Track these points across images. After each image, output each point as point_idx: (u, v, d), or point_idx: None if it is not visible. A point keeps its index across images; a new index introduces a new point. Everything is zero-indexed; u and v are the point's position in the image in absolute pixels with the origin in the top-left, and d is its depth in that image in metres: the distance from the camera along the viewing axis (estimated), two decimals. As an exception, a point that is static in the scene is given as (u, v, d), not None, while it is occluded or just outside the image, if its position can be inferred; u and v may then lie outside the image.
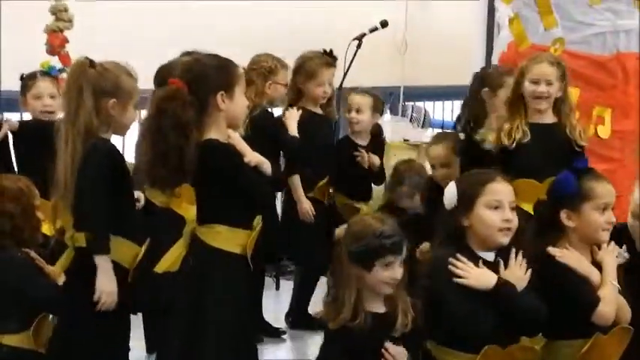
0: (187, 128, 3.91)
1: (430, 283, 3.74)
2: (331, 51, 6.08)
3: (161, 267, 4.20)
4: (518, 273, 3.73)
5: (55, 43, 6.03)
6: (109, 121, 4.17)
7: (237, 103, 4.08)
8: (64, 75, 5.52)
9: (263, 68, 5.83)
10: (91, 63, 4.17)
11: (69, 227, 4.19)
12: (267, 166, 4.10)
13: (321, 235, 5.78)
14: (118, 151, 4.30)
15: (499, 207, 3.73)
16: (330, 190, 6.11)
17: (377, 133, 6.40)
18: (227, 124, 4.08)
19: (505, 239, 3.74)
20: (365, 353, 3.64)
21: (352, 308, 3.63)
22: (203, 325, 4.03)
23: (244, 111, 4.21)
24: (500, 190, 3.77)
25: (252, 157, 4.08)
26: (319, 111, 6.09)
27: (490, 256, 3.77)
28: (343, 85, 6.28)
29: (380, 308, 3.70)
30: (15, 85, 5.56)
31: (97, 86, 4.13)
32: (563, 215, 3.96)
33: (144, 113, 4.76)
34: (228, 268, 4.06)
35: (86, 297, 4.06)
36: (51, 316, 4.21)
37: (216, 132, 4.03)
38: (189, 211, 4.23)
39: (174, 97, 3.95)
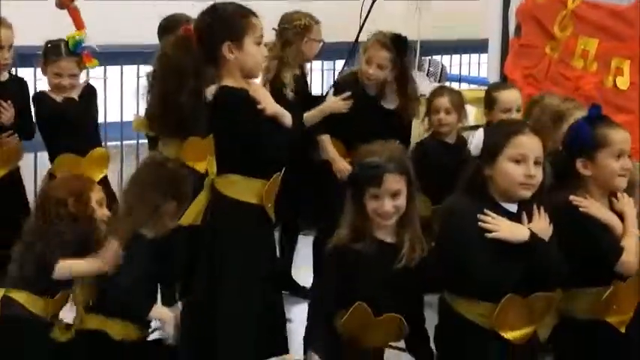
0: (183, 74, 3.86)
1: (449, 233, 3.69)
2: (402, 37, 5.61)
3: (185, 220, 4.12)
4: (543, 225, 3.67)
5: (65, -3, 5.93)
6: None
7: (248, 54, 3.92)
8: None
9: (298, 27, 5.66)
10: None
11: None
12: (286, 118, 3.98)
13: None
14: None
15: (523, 161, 3.63)
16: None
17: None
18: (242, 74, 3.95)
19: (526, 193, 3.65)
20: (365, 280, 3.63)
21: (351, 229, 3.66)
22: (222, 276, 3.98)
23: (257, 61, 4.01)
24: (526, 143, 3.66)
25: (269, 106, 3.95)
26: (371, 92, 5.67)
27: (513, 208, 3.69)
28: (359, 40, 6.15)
29: (388, 238, 3.71)
30: (28, 41, 5.55)
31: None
32: (579, 164, 3.92)
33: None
34: (243, 218, 4.00)
35: None
36: None
37: (231, 81, 3.92)
38: (211, 163, 4.12)
39: (179, 43, 3.92)
